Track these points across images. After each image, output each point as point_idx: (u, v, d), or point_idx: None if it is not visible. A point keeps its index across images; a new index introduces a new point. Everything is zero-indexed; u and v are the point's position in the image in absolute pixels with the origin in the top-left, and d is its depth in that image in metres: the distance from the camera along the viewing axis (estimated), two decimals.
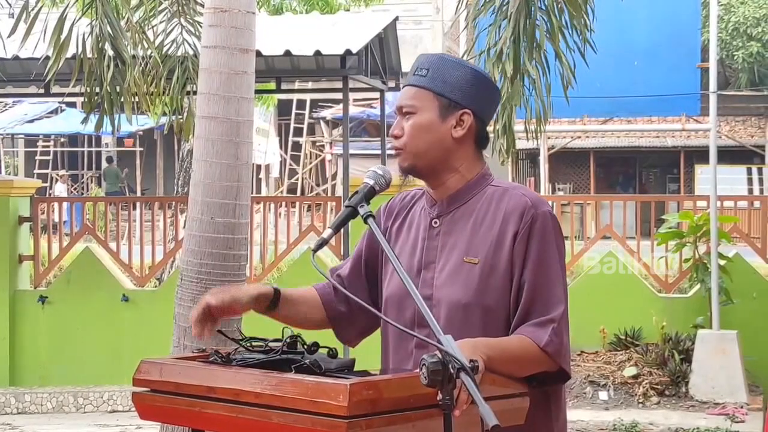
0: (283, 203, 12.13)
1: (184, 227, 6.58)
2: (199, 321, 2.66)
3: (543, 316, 2.59)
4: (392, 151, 2.81)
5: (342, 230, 2.70)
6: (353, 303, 2.77)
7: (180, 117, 8.70)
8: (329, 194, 24.04)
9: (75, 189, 26.49)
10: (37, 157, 26.20)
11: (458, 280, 2.65)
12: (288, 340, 2.53)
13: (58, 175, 25.42)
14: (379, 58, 10.04)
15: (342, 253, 9.37)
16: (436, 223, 2.73)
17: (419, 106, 2.70)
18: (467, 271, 2.64)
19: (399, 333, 2.72)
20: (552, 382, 2.66)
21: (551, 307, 2.60)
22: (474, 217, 2.69)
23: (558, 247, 2.66)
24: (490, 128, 7.26)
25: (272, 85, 10.76)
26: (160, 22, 8.18)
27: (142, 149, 26.28)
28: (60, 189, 24.55)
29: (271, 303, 2.75)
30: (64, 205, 16.18)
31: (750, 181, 26.18)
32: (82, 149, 27.19)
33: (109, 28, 7.31)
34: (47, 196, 21.35)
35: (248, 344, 2.57)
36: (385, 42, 10.15)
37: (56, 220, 13.37)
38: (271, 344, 2.56)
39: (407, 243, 2.77)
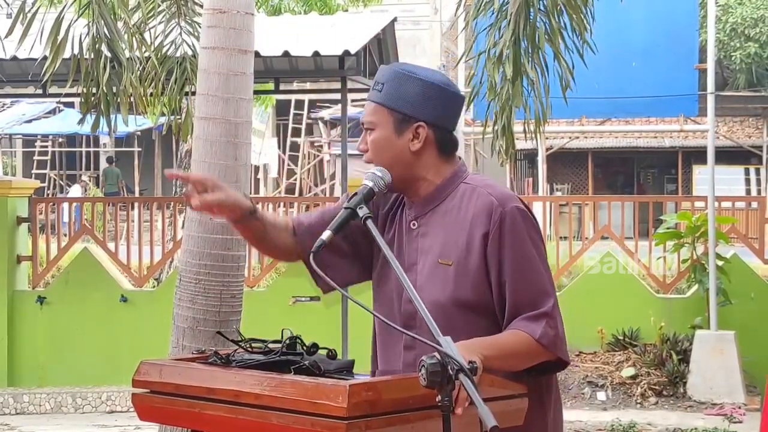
0: (282, 203, 12.11)
1: (182, 228, 6.58)
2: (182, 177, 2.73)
3: (534, 310, 2.62)
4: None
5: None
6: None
7: (178, 117, 8.69)
8: (327, 194, 24.03)
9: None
10: (35, 158, 26.17)
11: (435, 282, 2.68)
12: (287, 342, 2.54)
13: (66, 178, 25.34)
14: (377, 58, 10.03)
15: None
16: (414, 225, 2.76)
17: (376, 122, 2.72)
18: (443, 272, 2.68)
19: (388, 333, 2.74)
20: (551, 370, 2.71)
21: (540, 301, 2.63)
22: (446, 219, 2.71)
23: (533, 240, 2.67)
24: (488, 129, 7.32)
25: (270, 86, 10.75)
26: (159, 23, 8.17)
27: (140, 149, 26.27)
28: (75, 190, 24.49)
29: (247, 214, 2.73)
30: (70, 206, 16.09)
31: (748, 181, 26.24)
32: (80, 149, 27.17)
33: (105, 30, 7.30)
34: (48, 196, 21.33)
35: (247, 345, 2.58)
36: (383, 43, 10.15)
37: (65, 220, 13.33)
38: (270, 345, 2.57)
39: (392, 243, 2.78)
